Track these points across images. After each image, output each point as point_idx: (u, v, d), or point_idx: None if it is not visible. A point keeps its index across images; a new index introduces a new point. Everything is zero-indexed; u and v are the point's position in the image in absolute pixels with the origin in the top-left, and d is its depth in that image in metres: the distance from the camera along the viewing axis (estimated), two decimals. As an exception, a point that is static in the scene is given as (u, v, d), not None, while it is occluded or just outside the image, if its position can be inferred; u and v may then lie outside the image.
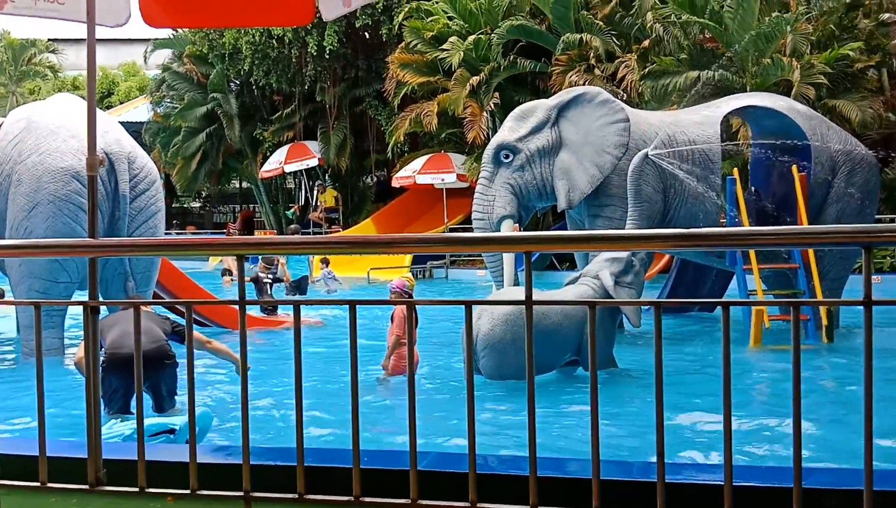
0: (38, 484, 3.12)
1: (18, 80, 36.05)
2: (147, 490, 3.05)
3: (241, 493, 2.92)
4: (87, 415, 3.19)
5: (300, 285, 14.95)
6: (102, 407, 6.13)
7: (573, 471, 3.44)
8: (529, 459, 2.74)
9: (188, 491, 3.00)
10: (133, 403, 5.93)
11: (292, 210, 27.96)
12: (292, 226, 23.66)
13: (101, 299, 4.95)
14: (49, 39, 37.67)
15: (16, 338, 10.40)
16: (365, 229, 24.22)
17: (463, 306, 2.84)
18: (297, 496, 2.88)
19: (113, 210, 9.26)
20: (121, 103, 34.36)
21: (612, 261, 8.12)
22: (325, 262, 16.40)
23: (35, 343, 3.13)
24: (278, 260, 12.76)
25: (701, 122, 10.92)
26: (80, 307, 3.22)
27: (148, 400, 6.48)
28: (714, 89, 15.29)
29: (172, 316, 7.12)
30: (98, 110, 10.75)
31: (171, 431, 5.32)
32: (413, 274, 21.16)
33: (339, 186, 27.03)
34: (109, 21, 4.27)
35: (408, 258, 21.00)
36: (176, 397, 6.41)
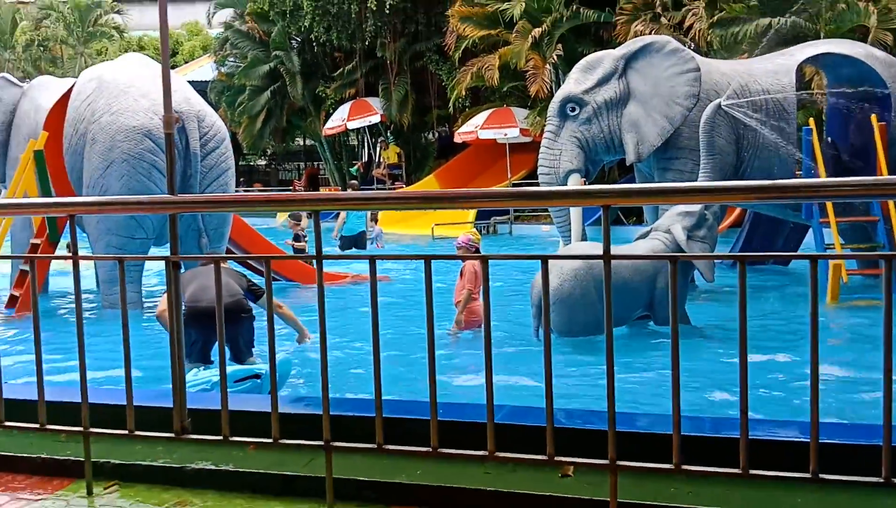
0: (125, 432, 3.22)
1: (85, 41, 36.70)
2: (230, 439, 3.13)
3: (321, 442, 2.97)
4: (171, 366, 3.28)
5: (357, 241, 15.02)
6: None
7: (649, 426, 3.42)
8: (608, 414, 2.72)
9: (270, 440, 3.07)
10: (212, 353, 6.11)
11: (356, 167, 28.11)
12: (352, 182, 23.79)
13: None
14: (114, 0, 38.21)
15: (95, 291, 10.72)
16: (428, 184, 24.20)
17: (538, 261, 2.82)
18: (375, 446, 2.92)
19: (185, 168, 9.45)
20: (185, 63, 34.76)
21: (685, 215, 7.96)
22: (374, 219, 16.65)
23: (119, 297, 3.21)
24: (303, 216, 12.86)
25: (775, 70, 10.55)
26: (161, 262, 3.28)
27: (227, 352, 6.66)
28: (786, 37, 14.71)
29: (247, 273, 7.26)
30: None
31: (257, 376, 5.45)
32: (477, 229, 21.16)
33: (402, 143, 27.03)
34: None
35: (471, 214, 20.96)
36: (253, 348, 6.57)
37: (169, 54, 3.29)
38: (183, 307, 6.56)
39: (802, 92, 11.65)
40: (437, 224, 20.25)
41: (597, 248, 7.99)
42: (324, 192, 28.10)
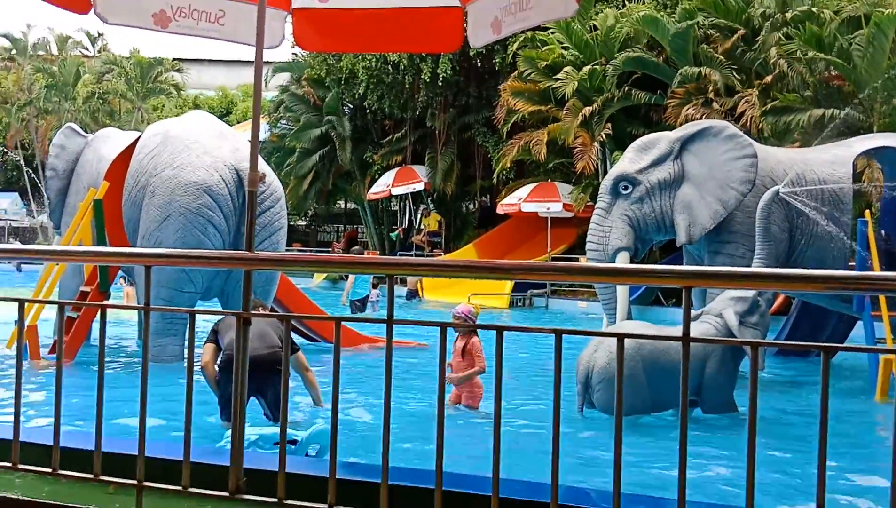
0: (179, 488, 3.18)
1: (144, 96, 37.91)
2: (286, 502, 3.07)
3: (377, 512, 2.91)
4: (231, 424, 3.25)
5: (363, 305, 15.46)
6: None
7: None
8: (679, 501, 2.63)
9: (325, 505, 3.00)
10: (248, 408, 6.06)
11: (396, 232, 28.35)
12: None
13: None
14: (174, 59, 39.51)
15: (137, 341, 10.80)
16: (466, 253, 24.31)
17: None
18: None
19: (239, 225, 9.58)
20: (238, 123, 35.66)
21: (738, 300, 7.86)
22: (375, 285, 17.32)
23: (188, 352, 3.22)
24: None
25: (832, 161, 10.52)
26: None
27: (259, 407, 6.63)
28: (839, 128, 14.72)
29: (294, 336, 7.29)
30: (229, 128, 11.21)
31: (294, 442, 5.37)
32: (513, 302, 21.12)
33: (443, 211, 27.27)
34: (265, 44, 4.41)
35: (509, 285, 20.94)
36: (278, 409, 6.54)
37: (260, 113, 3.35)
38: (221, 355, 6.61)
39: (859, 184, 11.58)
40: (473, 294, 20.24)
41: (646, 328, 7.94)
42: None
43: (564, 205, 21.73)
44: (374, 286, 17.53)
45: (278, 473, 3.06)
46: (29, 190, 38.68)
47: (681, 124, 12.88)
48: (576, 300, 20.69)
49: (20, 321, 3.31)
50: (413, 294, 21.38)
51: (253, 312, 3.55)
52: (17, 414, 3.31)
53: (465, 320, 7.47)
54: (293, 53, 28.67)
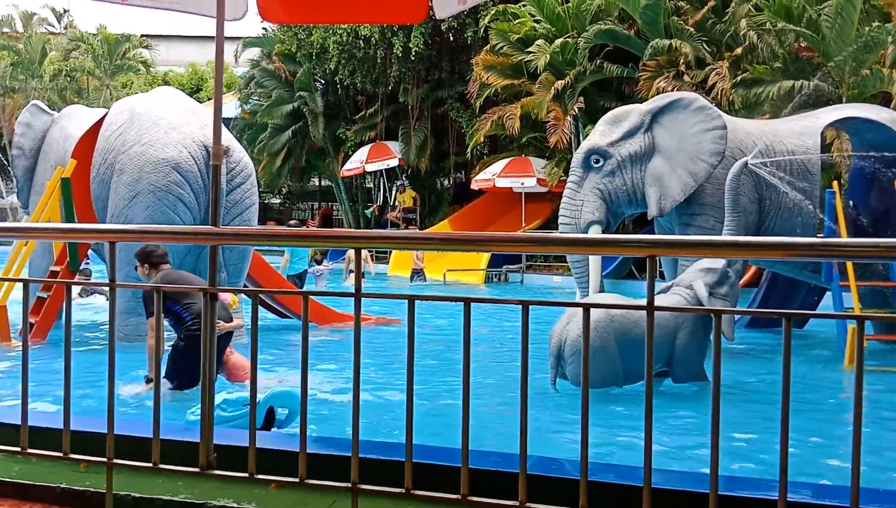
0: (149, 465, 3.17)
1: (112, 74, 37.28)
2: (256, 477, 3.08)
3: (348, 484, 2.92)
4: (201, 400, 3.25)
5: (301, 279, 15.47)
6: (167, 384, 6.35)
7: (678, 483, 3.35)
8: (645, 470, 2.67)
9: (296, 479, 3.02)
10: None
11: (371, 209, 28.25)
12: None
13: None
14: (142, 35, 38.86)
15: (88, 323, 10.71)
16: (441, 229, 24.27)
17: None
18: (404, 490, 2.87)
19: (209, 202, 9.49)
20: (209, 99, 35.25)
21: (707, 271, 7.93)
22: (318, 261, 17.68)
23: (155, 330, 3.20)
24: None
25: (800, 132, 10.61)
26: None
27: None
28: (809, 99, 14.83)
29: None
30: (197, 104, 11.09)
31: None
32: (488, 278, 21.17)
33: (418, 187, 27.19)
34: (228, 15, 4.35)
35: (484, 260, 20.99)
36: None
37: (222, 87, 3.32)
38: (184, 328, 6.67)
39: (827, 154, 11.70)
40: (449, 270, 20.26)
41: (617, 300, 8.00)
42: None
43: (538, 180, 21.76)
44: (319, 262, 17.88)
45: (249, 448, 3.07)
46: (-5, 170, 38.08)
47: (652, 97, 12.90)
48: (551, 275, 20.79)
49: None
50: (418, 274, 20.98)
51: (220, 287, 3.53)
52: (-17, 395, 3.29)
53: None
54: (262, 28, 28.30)
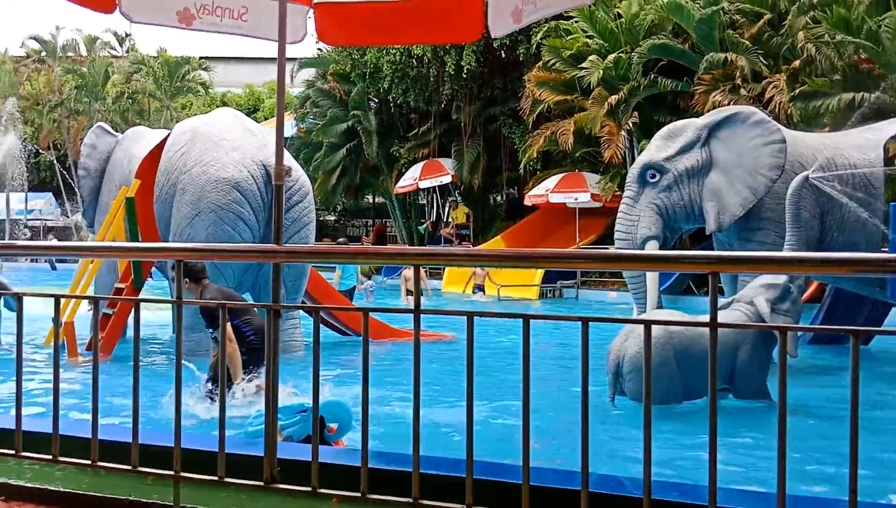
0: (216, 478, 3.23)
1: (172, 95, 38.25)
2: (319, 491, 3.12)
3: (409, 499, 2.94)
4: (265, 415, 3.31)
5: (350, 296, 15.61)
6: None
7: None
8: (710, 489, 2.64)
9: (358, 494, 3.05)
10: None
11: (424, 225, 28.40)
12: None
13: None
14: (201, 57, 39.81)
15: (172, 336, 10.94)
16: (495, 245, 24.25)
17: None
18: (464, 506, 2.87)
19: (268, 219, 9.67)
20: (265, 119, 35.92)
21: (769, 287, 7.79)
22: (368, 275, 17.99)
23: (220, 347, 3.27)
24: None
25: (862, 145, 10.37)
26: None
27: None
28: (870, 112, 14.49)
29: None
30: (256, 124, 11.32)
31: (304, 411, 5.39)
32: (542, 293, 21.07)
33: (471, 203, 27.27)
34: (288, 39, 4.45)
35: (538, 277, 20.90)
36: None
37: (284, 106, 3.39)
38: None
39: (891, 167, 11.40)
40: (502, 286, 20.22)
41: (676, 317, 7.90)
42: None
43: (592, 195, 21.63)
44: (368, 277, 18.18)
45: (311, 463, 3.11)
46: (62, 189, 39.28)
47: (708, 111, 12.74)
48: (606, 291, 20.60)
49: (56, 317, 3.38)
50: (481, 288, 20.95)
51: (282, 304, 3.59)
52: (55, 409, 3.39)
53: None
54: (318, 49, 28.80)
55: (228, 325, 6.50)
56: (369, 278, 18.50)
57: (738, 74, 17.61)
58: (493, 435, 6.14)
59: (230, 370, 7.00)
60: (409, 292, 17.52)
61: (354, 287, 15.84)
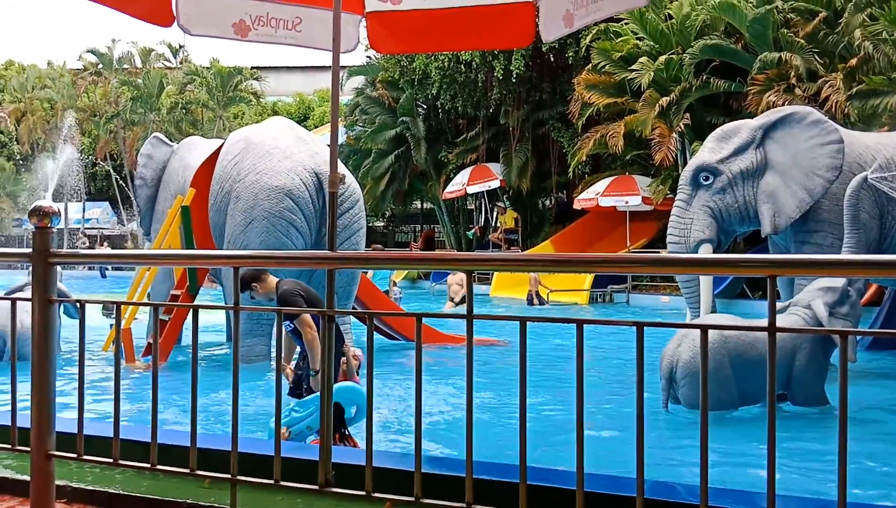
0: (272, 482, 3.27)
1: (225, 105, 38.93)
2: (373, 495, 3.13)
3: (462, 504, 2.94)
4: (320, 419, 3.34)
5: None
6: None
7: None
8: (768, 496, 2.58)
9: (412, 499, 3.05)
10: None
11: (472, 230, 28.41)
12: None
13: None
14: (252, 67, 40.45)
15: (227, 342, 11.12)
16: (544, 250, 24.16)
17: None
18: (515, 512, 2.86)
19: (320, 226, 9.78)
20: (315, 127, 36.33)
21: (827, 290, 7.62)
22: (394, 282, 18.31)
23: (277, 352, 3.31)
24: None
25: (923, 144, 10.10)
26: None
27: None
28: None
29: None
30: (307, 132, 11.47)
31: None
32: (592, 298, 20.89)
33: (519, 208, 27.20)
34: (342, 47, 4.49)
35: (588, 281, 20.74)
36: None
37: (338, 115, 3.43)
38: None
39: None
40: (552, 290, 20.10)
41: (731, 321, 7.76)
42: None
43: (643, 198, 21.40)
44: (394, 283, 18.38)
45: (365, 467, 3.14)
46: (119, 199, 40.26)
47: (762, 112, 12.53)
48: (657, 295, 20.34)
49: (117, 322, 3.46)
50: (538, 296, 20.85)
51: (337, 309, 3.63)
52: (116, 413, 3.46)
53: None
54: (367, 57, 29.04)
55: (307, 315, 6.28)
56: (395, 285, 18.83)
57: (792, 73, 17.26)
58: (540, 439, 6.09)
59: (310, 357, 6.64)
60: (451, 300, 17.85)
61: (386, 291, 15.93)
